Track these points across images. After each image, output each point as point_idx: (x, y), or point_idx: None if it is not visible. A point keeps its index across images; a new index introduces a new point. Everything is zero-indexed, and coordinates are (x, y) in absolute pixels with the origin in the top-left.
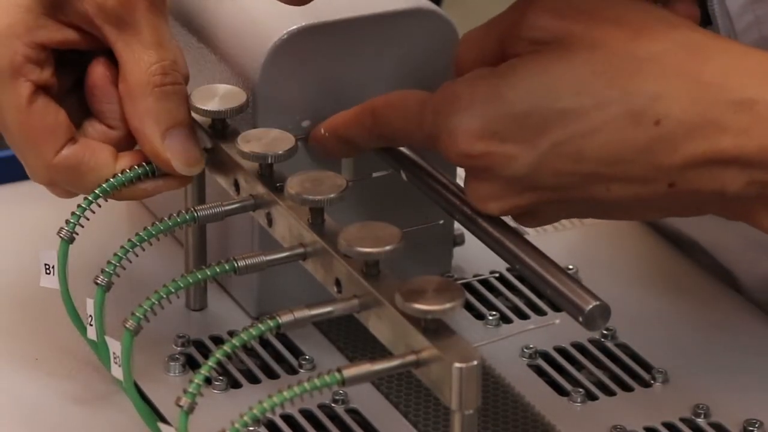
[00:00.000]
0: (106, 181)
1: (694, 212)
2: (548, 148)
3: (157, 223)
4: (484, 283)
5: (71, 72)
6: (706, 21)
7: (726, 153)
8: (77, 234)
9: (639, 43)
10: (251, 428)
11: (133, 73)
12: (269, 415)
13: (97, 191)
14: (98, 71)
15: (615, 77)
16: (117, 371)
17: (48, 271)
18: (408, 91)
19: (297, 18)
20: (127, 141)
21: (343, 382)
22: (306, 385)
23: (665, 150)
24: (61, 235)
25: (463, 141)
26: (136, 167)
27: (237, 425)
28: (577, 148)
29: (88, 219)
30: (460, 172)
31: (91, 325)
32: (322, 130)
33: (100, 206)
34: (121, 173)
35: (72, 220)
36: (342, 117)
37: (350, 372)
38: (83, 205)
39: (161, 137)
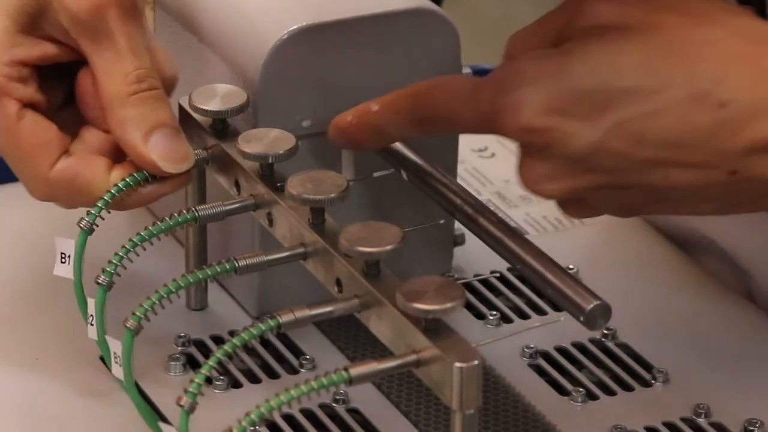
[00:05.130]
0: (114, 186)
1: (748, 206)
2: (610, 127)
3: (157, 222)
4: (485, 282)
5: (62, 86)
6: (761, 14)
7: None
8: (97, 226)
9: (699, 29)
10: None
11: (108, 85)
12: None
13: (113, 191)
14: (86, 80)
15: (678, 60)
16: (118, 371)
17: (63, 260)
18: (455, 75)
19: (297, 18)
20: None
21: (351, 381)
22: (313, 383)
23: (728, 134)
24: (81, 225)
25: (527, 115)
26: (136, 174)
27: (244, 423)
28: (639, 129)
29: (109, 212)
30: (461, 173)
31: (92, 324)
32: (349, 118)
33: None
34: (128, 177)
35: (93, 212)
36: (373, 103)
37: (357, 371)
38: (106, 198)
39: (143, 140)
